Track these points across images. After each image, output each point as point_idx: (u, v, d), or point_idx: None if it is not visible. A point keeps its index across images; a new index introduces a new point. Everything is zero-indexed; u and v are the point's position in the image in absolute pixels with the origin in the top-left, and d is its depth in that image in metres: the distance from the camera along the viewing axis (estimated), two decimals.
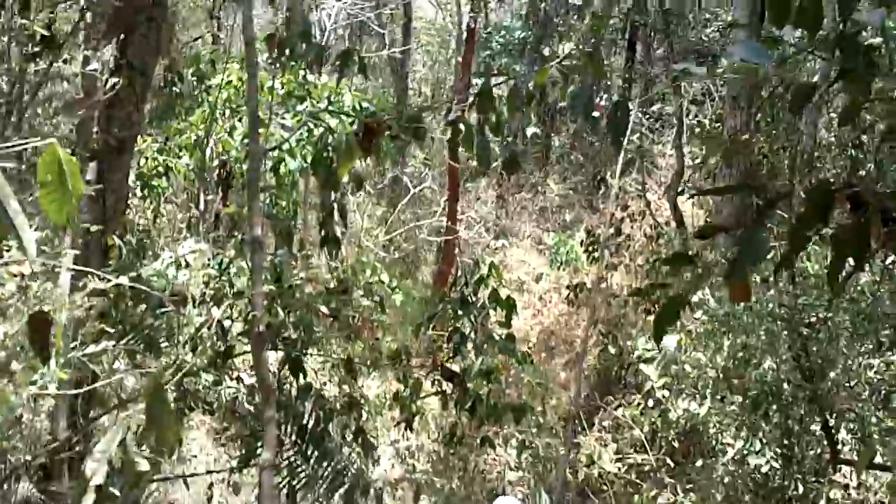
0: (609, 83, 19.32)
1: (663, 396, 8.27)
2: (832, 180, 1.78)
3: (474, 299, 4.90)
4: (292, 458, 4.88)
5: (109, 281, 3.63)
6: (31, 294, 3.27)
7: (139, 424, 2.16)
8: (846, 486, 7.42)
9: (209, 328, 4.84)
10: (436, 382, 5.13)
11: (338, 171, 2.95)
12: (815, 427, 6.86)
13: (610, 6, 18.90)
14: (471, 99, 3.09)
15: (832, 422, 6.69)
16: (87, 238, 5.18)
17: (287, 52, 3.18)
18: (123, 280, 3.64)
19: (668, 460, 9.13)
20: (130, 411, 5.97)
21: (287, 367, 4.95)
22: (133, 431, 2.18)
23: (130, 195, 6.92)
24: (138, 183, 8.12)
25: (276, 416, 2.57)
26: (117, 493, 2.03)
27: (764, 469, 6.95)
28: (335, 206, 4.40)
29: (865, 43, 1.66)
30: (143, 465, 2.06)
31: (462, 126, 3.09)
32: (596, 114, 3.00)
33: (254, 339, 2.64)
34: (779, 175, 10.13)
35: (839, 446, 6.86)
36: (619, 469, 9.79)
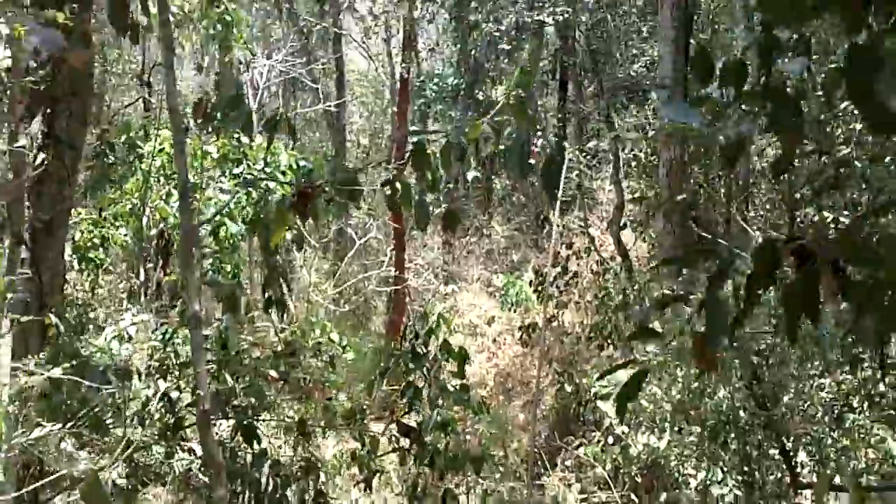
0: (544, 123, 19.63)
1: (622, 432, 8.28)
2: (776, 236, 1.79)
3: (426, 351, 4.86)
4: None
5: (44, 373, 3.53)
6: None
7: None
8: None
9: (157, 401, 4.72)
10: (393, 438, 5.05)
11: (273, 237, 2.91)
12: (774, 452, 6.91)
13: (539, 49, 19.26)
14: (407, 155, 3.09)
15: (789, 445, 6.74)
16: (26, 316, 5.05)
17: (217, 117, 3.15)
18: (56, 372, 3.53)
19: (633, 496, 9.11)
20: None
21: (240, 434, 4.84)
22: None
23: (67, 269, 6.78)
24: (74, 256, 7.96)
25: (227, 495, 2.49)
26: None
27: (727, 497, 6.96)
28: (277, 267, 4.34)
29: (791, 93, 1.68)
30: None
31: (399, 185, 3.07)
32: (532, 161, 3.02)
33: (199, 419, 2.57)
34: (716, 204, 10.32)
35: (798, 469, 6.91)
36: None
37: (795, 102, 1.62)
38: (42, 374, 3.61)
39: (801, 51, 1.62)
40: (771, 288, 2.00)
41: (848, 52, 1.27)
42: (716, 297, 1.66)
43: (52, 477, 4.69)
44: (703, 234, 9.94)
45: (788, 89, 1.65)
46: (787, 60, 1.60)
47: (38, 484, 4.46)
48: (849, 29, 1.29)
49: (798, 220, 8.89)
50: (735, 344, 6.52)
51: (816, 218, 8.09)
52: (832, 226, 6.50)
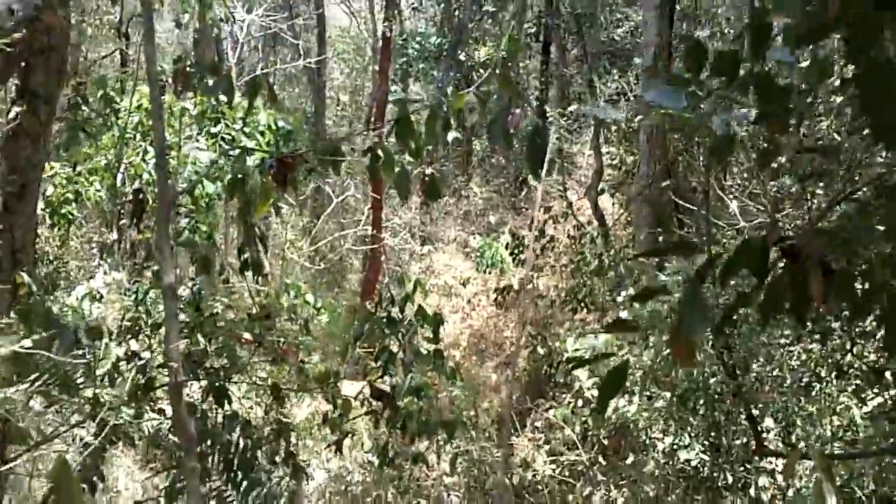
0: (526, 85, 19.53)
1: (593, 396, 8.37)
2: (760, 235, 1.79)
3: (401, 316, 4.86)
4: (221, 488, 4.78)
5: (12, 343, 3.50)
6: None
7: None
8: (772, 472, 7.60)
9: (128, 361, 4.70)
10: (366, 402, 5.07)
11: (256, 210, 2.89)
12: (741, 418, 7.02)
13: (523, 11, 19.09)
14: (389, 121, 3.06)
15: (756, 413, 6.85)
16: None
17: (195, 84, 3.09)
18: (26, 343, 3.50)
19: (601, 458, 9.24)
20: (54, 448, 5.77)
21: (211, 395, 4.83)
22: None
23: (38, 224, 6.69)
24: (47, 210, 7.85)
25: (198, 467, 2.49)
26: None
27: (693, 462, 7.08)
28: (254, 229, 4.31)
29: (781, 84, 1.66)
30: None
31: (381, 153, 3.04)
32: (513, 130, 2.99)
33: (172, 390, 2.56)
34: (694, 171, 10.34)
35: (764, 434, 7.03)
36: (553, 470, 9.87)
37: (784, 93, 1.60)
38: (10, 343, 3.58)
39: (790, 39, 1.59)
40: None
41: (862, 68, 1.26)
42: (695, 292, 1.66)
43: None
44: (681, 202, 9.98)
45: (777, 79, 1.63)
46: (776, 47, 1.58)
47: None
48: (860, 44, 1.27)
49: (776, 190, 8.94)
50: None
51: (794, 189, 8.13)
52: (809, 198, 6.53)
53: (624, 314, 8.28)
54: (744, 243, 1.76)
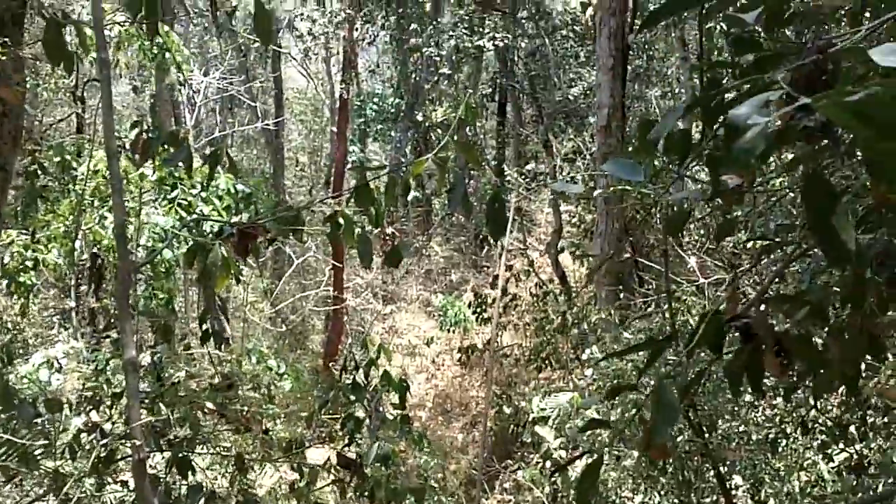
0: (483, 147, 19.77)
1: (560, 456, 8.33)
2: (721, 309, 1.83)
3: (365, 382, 4.82)
4: None
5: None
6: None
7: None
8: None
9: (89, 433, 4.60)
10: (332, 470, 4.99)
11: (216, 285, 2.86)
12: (709, 476, 7.02)
13: (478, 73, 19.41)
14: (347, 188, 3.07)
15: (725, 470, 6.85)
16: None
17: (155, 154, 3.09)
18: None
19: None
20: None
21: (175, 467, 4.73)
22: None
23: None
24: (5, 279, 7.71)
25: None
26: None
27: None
28: (215, 299, 4.27)
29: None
30: None
31: (342, 220, 3.05)
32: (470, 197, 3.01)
33: (135, 467, 2.50)
34: (652, 228, 10.47)
35: (733, 491, 7.03)
36: None
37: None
38: None
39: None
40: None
41: (805, 182, 1.30)
42: (662, 388, 1.68)
43: None
44: (640, 259, 10.09)
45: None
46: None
47: None
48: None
49: (731, 245, 9.08)
50: (671, 371, 6.62)
51: (750, 245, 8.27)
52: (763, 256, 6.64)
53: (589, 372, 8.29)
54: (707, 322, 1.79)
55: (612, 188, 8.63)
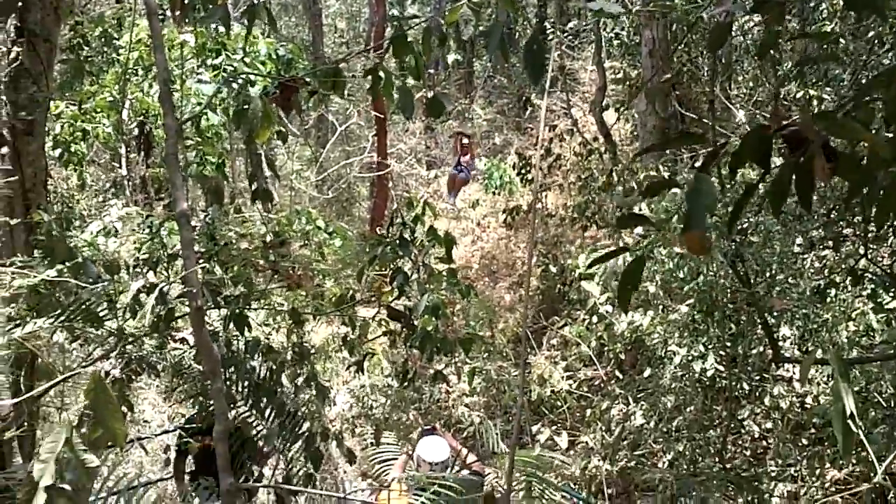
0: (524, 5, 19.19)
1: (607, 311, 8.43)
2: (763, 121, 1.79)
3: (412, 238, 4.90)
4: (247, 414, 4.89)
5: (36, 274, 3.56)
6: None
7: (83, 418, 2.14)
8: (789, 380, 7.68)
9: (147, 293, 4.77)
10: (383, 323, 5.15)
11: (257, 136, 2.90)
12: (757, 328, 7.06)
13: None
14: (386, 42, 3.04)
15: (772, 321, 6.89)
16: (10, 214, 5.07)
17: (194, 11, 3.08)
18: (52, 273, 3.56)
19: (617, 372, 9.37)
20: (75, 408, 5.90)
21: (232, 323, 4.91)
22: (79, 426, 2.16)
23: (49, 163, 6.72)
24: (56, 150, 7.87)
25: (223, 387, 2.56)
26: (68, 487, 2.01)
27: (709, 372, 7.16)
28: (262, 159, 4.33)
29: None
30: (93, 462, 2.05)
31: (381, 73, 3.04)
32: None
33: (193, 314, 2.61)
34: (699, 82, 10.23)
35: (781, 342, 7.08)
36: (570, 385, 10.02)
37: None
38: (36, 275, 3.65)
39: None
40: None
41: None
42: (703, 180, 1.67)
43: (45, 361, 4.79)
44: (687, 113, 9.90)
45: None
46: None
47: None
48: None
49: (781, 97, 8.86)
50: (717, 223, 6.60)
51: (800, 94, 8.06)
52: (815, 103, 6.48)
53: (638, 230, 8.27)
54: (749, 133, 1.76)
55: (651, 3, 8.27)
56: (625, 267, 1.91)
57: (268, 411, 4.83)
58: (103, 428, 2.00)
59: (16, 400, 4.95)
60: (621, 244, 9.77)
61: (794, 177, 1.70)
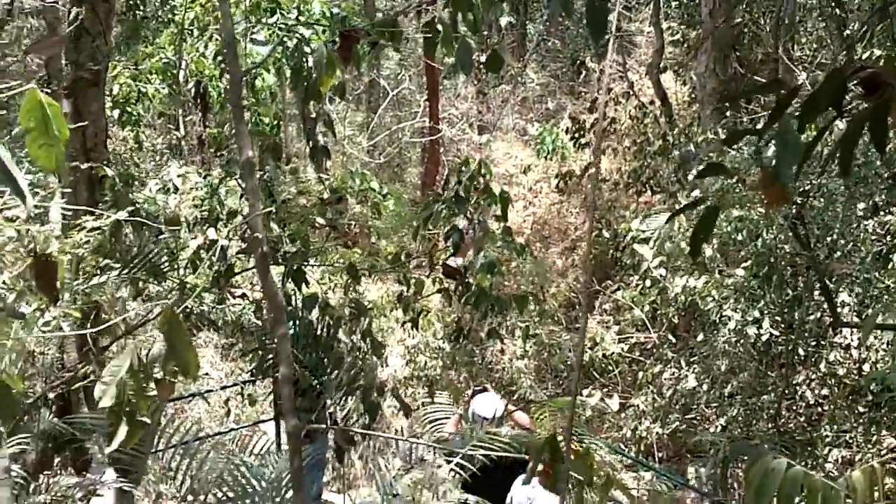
0: None
1: (660, 275, 8.35)
2: (842, 66, 1.73)
3: (468, 196, 4.89)
4: (305, 368, 4.96)
5: (107, 217, 3.63)
6: (29, 237, 3.27)
7: (148, 349, 2.19)
8: (847, 347, 7.56)
9: (207, 250, 4.83)
10: (437, 281, 5.17)
11: (321, 84, 2.90)
12: (814, 293, 6.95)
13: None
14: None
15: (832, 286, 6.78)
16: (73, 172, 5.17)
17: None
18: (122, 214, 3.64)
19: (670, 336, 9.31)
20: (140, 337, 6.04)
21: (290, 279, 4.97)
22: (145, 356, 2.21)
23: (108, 124, 6.84)
24: (114, 111, 7.99)
25: (287, 332, 2.60)
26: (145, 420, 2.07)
27: (764, 337, 7.08)
28: (320, 115, 4.36)
29: None
30: (153, 391, 2.11)
31: (439, 27, 3.02)
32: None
33: (258, 261, 2.64)
34: (761, 43, 10.01)
35: (840, 308, 6.97)
36: (623, 349, 10.00)
37: None
38: (105, 217, 3.73)
39: None
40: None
41: None
42: (786, 125, 1.63)
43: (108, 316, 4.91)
44: (747, 75, 9.70)
45: None
46: None
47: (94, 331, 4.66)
48: None
49: (847, 59, 8.63)
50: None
51: (866, 56, 7.84)
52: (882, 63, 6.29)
53: (696, 193, 8.15)
54: (828, 75, 1.72)
55: None
56: (699, 216, 1.88)
57: (325, 365, 4.90)
58: (177, 359, 2.05)
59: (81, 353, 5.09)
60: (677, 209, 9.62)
61: (866, 125, 1.65)
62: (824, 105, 1.78)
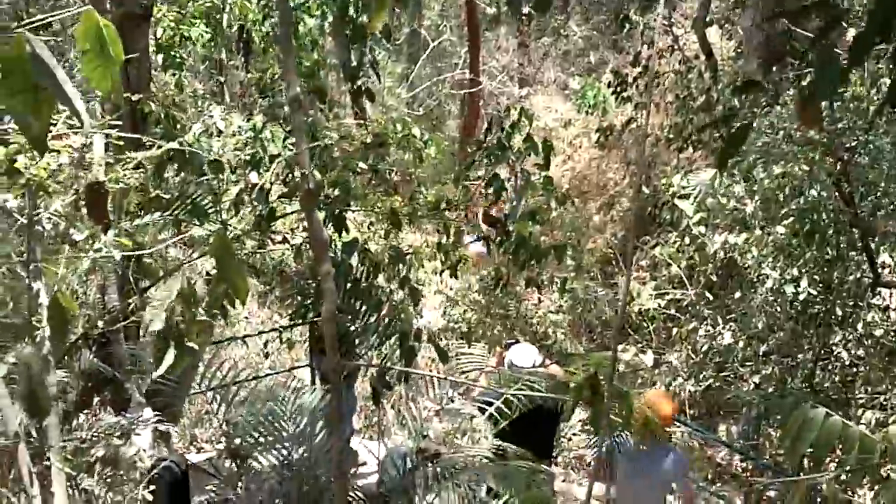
0: None
1: (700, 232, 8.29)
2: None
3: (509, 144, 4.86)
4: (344, 312, 5.00)
5: (158, 147, 3.66)
6: (82, 165, 3.31)
7: (194, 282, 2.22)
8: (885, 308, 7.48)
9: (249, 193, 4.86)
10: (477, 228, 5.17)
11: (371, 21, 2.89)
12: (855, 253, 6.86)
13: None
14: None
15: (874, 245, 6.69)
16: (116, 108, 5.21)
17: None
18: (171, 145, 3.67)
19: (707, 293, 9.25)
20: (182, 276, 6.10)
21: (331, 224, 5.00)
22: (191, 287, 2.24)
23: (151, 66, 6.87)
24: (159, 55, 8.02)
25: (331, 270, 2.62)
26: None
27: (802, 296, 7.01)
28: (365, 58, 4.35)
29: None
30: (202, 317, 2.14)
31: None
32: None
33: (303, 198, 2.66)
34: None
35: (880, 269, 6.87)
36: (659, 305, 9.96)
37: None
38: (157, 147, 3.77)
39: None
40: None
41: None
42: (826, 46, 1.60)
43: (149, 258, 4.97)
44: (796, 29, 9.47)
45: None
46: None
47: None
48: None
49: None
50: (824, 140, 6.36)
51: None
52: None
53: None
54: (877, 3, 1.67)
55: None
56: (732, 132, 1.86)
57: (364, 310, 4.94)
58: (227, 283, 2.08)
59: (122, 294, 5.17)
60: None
61: None
62: (873, 33, 1.73)
